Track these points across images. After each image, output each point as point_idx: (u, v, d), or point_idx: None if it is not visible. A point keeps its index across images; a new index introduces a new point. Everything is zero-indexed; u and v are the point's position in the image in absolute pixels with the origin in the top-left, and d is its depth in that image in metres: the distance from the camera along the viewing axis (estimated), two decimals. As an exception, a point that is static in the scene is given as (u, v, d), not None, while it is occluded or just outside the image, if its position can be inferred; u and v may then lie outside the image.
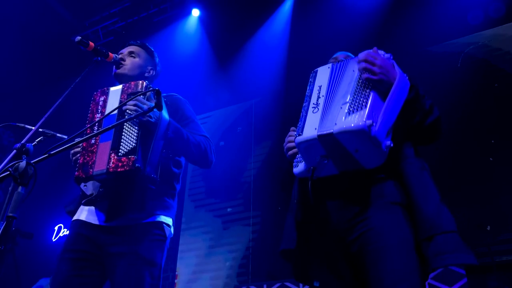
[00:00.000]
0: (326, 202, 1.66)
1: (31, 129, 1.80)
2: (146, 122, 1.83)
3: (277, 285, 3.96)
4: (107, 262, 1.86)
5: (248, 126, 5.72)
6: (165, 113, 1.93)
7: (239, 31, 5.59)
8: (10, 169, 1.22)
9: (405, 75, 1.62)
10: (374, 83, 1.53)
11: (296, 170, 1.69)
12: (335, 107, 1.56)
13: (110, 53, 2.10)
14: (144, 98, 1.88)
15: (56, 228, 6.09)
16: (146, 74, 2.24)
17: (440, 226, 1.46)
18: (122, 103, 1.89)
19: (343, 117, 1.48)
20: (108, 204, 1.90)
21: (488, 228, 3.56)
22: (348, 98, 1.54)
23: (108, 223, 1.88)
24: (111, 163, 1.78)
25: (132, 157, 1.76)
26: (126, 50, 2.24)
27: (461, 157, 3.96)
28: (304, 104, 1.70)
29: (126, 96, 1.93)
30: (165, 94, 2.11)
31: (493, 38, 4.43)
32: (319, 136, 1.51)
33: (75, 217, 1.98)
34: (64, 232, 6.01)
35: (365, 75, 1.54)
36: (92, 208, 1.94)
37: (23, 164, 1.22)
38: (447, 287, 3.23)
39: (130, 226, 1.88)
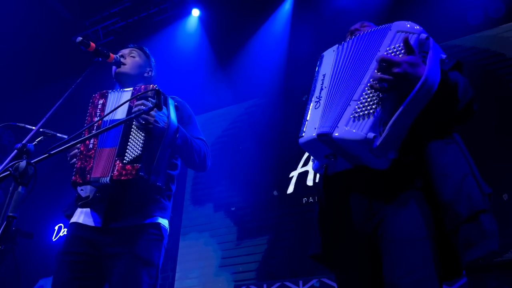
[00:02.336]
0: (345, 196, 1.54)
1: (31, 129, 1.80)
2: (154, 128, 1.81)
3: (277, 284, 3.97)
4: (105, 263, 1.86)
5: (247, 126, 5.72)
6: (174, 118, 1.92)
7: (239, 31, 5.59)
8: (11, 169, 1.22)
9: (437, 66, 1.36)
10: (391, 85, 1.34)
11: (313, 166, 1.63)
12: (339, 101, 1.42)
13: (111, 54, 2.10)
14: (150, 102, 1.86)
15: (56, 228, 6.09)
16: (145, 75, 2.25)
17: (460, 214, 1.30)
18: (120, 104, 1.88)
19: (346, 121, 1.36)
20: (104, 207, 1.90)
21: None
22: (357, 95, 1.37)
23: (105, 225, 1.88)
24: (115, 170, 1.77)
25: (136, 165, 1.75)
26: (126, 50, 2.25)
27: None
28: (309, 96, 1.57)
29: (136, 100, 1.90)
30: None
31: (493, 38, 4.43)
32: (319, 136, 1.42)
33: (72, 220, 1.99)
34: (64, 232, 6.01)
35: (379, 76, 1.34)
36: (89, 210, 1.94)
37: (23, 164, 1.22)
38: (447, 287, 3.23)
39: (127, 227, 1.88)
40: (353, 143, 1.35)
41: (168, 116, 1.87)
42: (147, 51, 2.34)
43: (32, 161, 1.25)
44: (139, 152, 1.78)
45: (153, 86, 1.91)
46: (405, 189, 1.43)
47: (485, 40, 4.48)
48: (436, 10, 4.62)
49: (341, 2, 4.99)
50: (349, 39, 1.56)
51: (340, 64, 1.51)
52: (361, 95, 1.37)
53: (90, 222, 1.91)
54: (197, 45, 5.81)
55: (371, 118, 1.33)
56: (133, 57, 2.22)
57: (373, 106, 1.34)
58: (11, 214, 1.17)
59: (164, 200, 2.02)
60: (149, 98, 1.84)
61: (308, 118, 1.51)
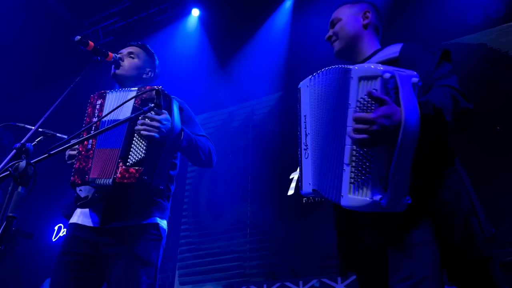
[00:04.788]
0: (356, 218, 1.56)
1: (31, 129, 1.79)
2: (156, 137, 1.80)
3: (277, 284, 3.96)
4: (104, 263, 1.86)
5: (248, 126, 5.71)
6: (177, 121, 1.91)
7: (239, 31, 5.59)
8: (10, 169, 1.22)
9: (413, 100, 1.30)
10: (374, 142, 1.30)
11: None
12: (330, 160, 1.42)
13: (110, 53, 2.10)
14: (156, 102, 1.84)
15: (56, 228, 6.08)
16: (144, 76, 2.23)
17: (468, 260, 1.36)
18: (118, 105, 1.86)
19: (348, 189, 1.34)
20: (103, 207, 1.90)
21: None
22: (348, 158, 1.34)
23: (103, 225, 1.88)
24: (118, 173, 1.76)
25: (139, 168, 1.75)
26: (125, 51, 2.24)
27: (462, 157, 3.95)
28: (298, 134, 1.61)
29: (140, 101, 1.89)
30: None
31: (492, 38, 4.43)
32: (314, 191, 1.48)
33: (71, 220, 1.99)
34: (64, 232, 6.01)
35: (359, 137, 1.29)
36: (87, 210, 1.94)
37: (23, 164, 1.22)
38: (447, 287, 3.22)
39: (126, 227, 1.88)
40: (362, 208, 1.34)
41: (172, 120, 1.86)
42: (150, 50, 2.31)
43: (31, 161, 1.25)
44: (142, 155, 1.78)
45: (159, 92, 1.90)
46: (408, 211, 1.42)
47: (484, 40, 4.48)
48: (436, 10, 4.62)
49: (341, 2, 4.98)
50: (316, 74, 1.54)
51: (315, 107, 1.52)
52: (351, 158, 1.34)
53: (88, 222, 1.91)
54: (197, 45, 5.81)
55: (370, 180, 1.31)
56: (132, 58, 2.21)
57: (367, 169, 1.31)
58: (10, 214, 1.16)
59: (163, 201, 2.02)
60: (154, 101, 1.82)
61: (302, 169, 1.56)
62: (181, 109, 2.04)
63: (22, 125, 2.11)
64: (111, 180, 1.77)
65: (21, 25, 5.49)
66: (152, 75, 2.28)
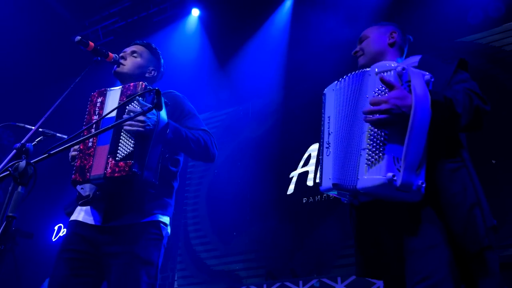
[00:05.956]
0: (373, 221, 1.64)
1: (31, 129, 1.80)
2: (142, 131, 1.81)
3: (277, 284, 3.96)
4: (104, 261, 1.86)
5: (248, 126, 5.71)
6: (163, 114, 1.91)
7: (239, 31, 5.59)
8: (10, 169, 1.22)
9: (424, 89, 1.43)
10: (387, 121, 1.42)
11: (342, 198, 1.73)
12: (349, 153, 1.51)
13: (110, 53, 2.10)
14: (143, 100, 1.86)
15: (56, 228, 6.08)
16: (147, 75, 2.23)
17: (468, 250, 1.42)
18: (120, 105, 1.88)
19: (364, 171, 1.43)
20: (104, 205, 1.90)
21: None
22: (365, 142, 1.45)
23: (104, 223, 1.88)
24: (108, 168, 1.77)
25: (129, 162, 1.75)
26: (129, 49, 2.24)
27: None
28: (320, 134, 1.70)
29: (125, 97, 1.91)
30: (162, 92, 2.09)
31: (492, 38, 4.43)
32: (334, 185, 1.53)
33: (72, 217, 1.99)
34: (64, 231, 6.01)
35: (374, 118, 1.42)
36: (88, 208, 1.94)
37: (23, 163, 1.22)
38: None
39: (127, 225, 1.88)
40: (377, 189, 1.42)
41: (158, 114, 1.86)
42: (155, 49, 2.31)
43: (32, 161, 1.25)
44: (131, 149, 1.78)
45: (142, 84, 1.91)
46: (418, 208, 1.49)
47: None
48: (436, 10, 4.62)
49: (342, 2, 4.98)
50: (342, 79, 1.66)
51: (339, 107, 1.63)
52: (367, 141, 1.45)
53: (90, 220, 1.91)
54: (197, 45, 5.81)
55: (384, 160, 1.40)
56: (135, 57, 2.21)
57: (381, 149, 1.41)
58: (10, 214, 1.17)
59: (166, 198, 2.01)
60: (138, 98, 1.83)
61: (322, 166, 1.63)
62: (166, 104, 2.04)
63: (22, 125, 2.11)
64: (102, 176, 1.77)
65: (21, 25, 5.49)
66: (156, 74, 2.27)
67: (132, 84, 1.96)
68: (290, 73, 5.46)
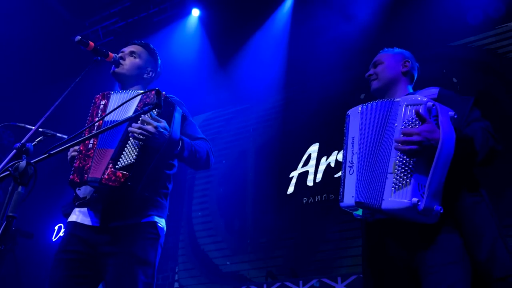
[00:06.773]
0: (384, 236, 1.74)
1: (31, 129, 1.80)
2: (153, 142, 1.80)
3: (277, 284, 3.96)
4: (101, 262, 1.86)
5: (248, 126, 5.71)
6: (176, 130, 1.90)
7: (239, 31, 5.59)
8: (10, 169, 1.22)
9: (450, 126, 1.58)
10: (417, 152, 1.55)
11: (355, 213, 1.82)
12: (375, 175, 1.63)
13: (110, 53, 2.10)
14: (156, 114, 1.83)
15: (56, 228, 6.09)
16: (145, 76, 2.23)
17: (493, 274, 1.51)
18: (119, 105, 1.87)
19: (389, 193, 1.55)
20: (101, 207, 1.90)
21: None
22: (392, 166, 1.58)
23: (102, 224, 1.88)
24: (105, 174, 1.77)
25: (126, 173, 1.76)
26: (127, 49, 2.23)
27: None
28: (343, 152, 1.79)
29: (143, 104, 1.89)
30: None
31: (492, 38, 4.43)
32: (357, 203, 1.64)
33: (69, 219, 1.99)
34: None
35: (406, 148, 1.56)
36: (85, 209, 1.94)
37: (23, 163, 1.22)
38: None
39: (124, 226, 1.88)
40: (400, 211, 1.54)
41: (171, 130, 1.86)
42: (153, 49, 2.30)
43: (32, 161, 1.25)
44: (132, 160, 1.78)
45: (159, 92, 1.88)
46: (437, 228, 1.61)
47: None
48: (436, 10, 4.62)
49: (342, 3, 4.98)
50: (368, 103, 1.79)
51: (364, 130, 1.75)
52: (395, 167, 1.58)
53: (87, 221, 1.91)
54: (197, 45, 5.81)
55: (410, 185, 1.53)
56: (134, 57, 2.21)
57: (408, 175, 1.54)
58: (10, 214, 1.17)
59: (161, 199, 2.02)
60: (151, 113, 1.80)
61: (344, 184, 1.74)
62: (184, 118, 2.03)
63: (22, 125, 2.11)
64: (98, 180, 1.77)
65: (21, 25, 5.49)
66: (153, 74, 2.27)
67: (153, 91, 1.91)
68: (290, 73, 5.47)
